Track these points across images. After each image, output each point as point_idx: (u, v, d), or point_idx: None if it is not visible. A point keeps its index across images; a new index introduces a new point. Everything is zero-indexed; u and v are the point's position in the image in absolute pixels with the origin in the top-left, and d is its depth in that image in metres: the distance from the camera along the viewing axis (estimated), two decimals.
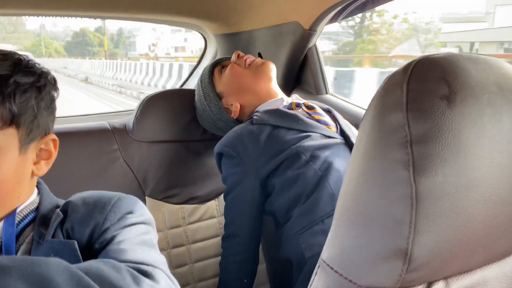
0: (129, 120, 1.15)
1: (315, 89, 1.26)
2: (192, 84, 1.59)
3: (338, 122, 0.96)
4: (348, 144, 0.91)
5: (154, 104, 1.15)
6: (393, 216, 0.30)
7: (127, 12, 1.21)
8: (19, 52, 0.58)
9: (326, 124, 0.94)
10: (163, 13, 1.25)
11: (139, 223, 0.60)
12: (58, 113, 0.63)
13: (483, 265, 0.35)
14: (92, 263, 0.43)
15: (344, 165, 0.88)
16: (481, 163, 0.30)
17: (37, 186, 0.64)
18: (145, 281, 0.46)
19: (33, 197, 0.61)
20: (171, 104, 1.16)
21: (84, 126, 1.12)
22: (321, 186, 0.84)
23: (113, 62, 16.08)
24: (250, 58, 1.04)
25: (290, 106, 0.98)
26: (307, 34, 1.16)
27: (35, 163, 0.59)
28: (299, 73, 1.30)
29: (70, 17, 1.28)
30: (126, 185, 1.10)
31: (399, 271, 0.31)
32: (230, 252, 0.95)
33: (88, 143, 1.09)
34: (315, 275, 0.37)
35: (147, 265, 0.51)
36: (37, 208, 0.60)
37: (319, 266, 0.37)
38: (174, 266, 1.13)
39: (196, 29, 1.47)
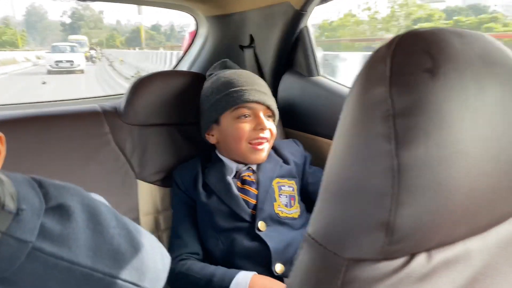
0: (120, 103, 1.14)
1: (306, 70, 1.26)
2: (184, 66, 1.58)
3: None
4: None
5: (145, 86, 1.14)
6: (376, 189, 0.31)
7: None
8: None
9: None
10: None
11: None
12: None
13: (466, 237, 0.36)
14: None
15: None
16: (464, 136, 0.30)
17: None
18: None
19: None
20: (163, 86, 1.15)
21: (74, 109, 1.11)
22: None
23: (152, 52, 15.64)
24: (264, 139, 1.02)
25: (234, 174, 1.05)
26: (298, 15, 1.15)
27: None
28: (291, 55, 1.30)
29: None
30: (117, 168, 1.09)
31: (382, 243, 0.31)
32: None
33: (79, 126, 1.08)
34: (301, 249, 0.38)
35: None
36: None
37: (305, 241, 0.38)
38: (167, 248, 1.14)
39: (186, 11, 1.45)
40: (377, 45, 0.34)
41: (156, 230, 1.12)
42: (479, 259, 0.36)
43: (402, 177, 0.30)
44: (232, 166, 1.05)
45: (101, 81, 12.59)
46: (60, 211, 0.37)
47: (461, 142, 0.30)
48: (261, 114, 1.00)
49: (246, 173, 1.04)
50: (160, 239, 1.11)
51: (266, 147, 1.02)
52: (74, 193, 0.41)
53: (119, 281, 0.41)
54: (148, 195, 1.12)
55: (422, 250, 0.34)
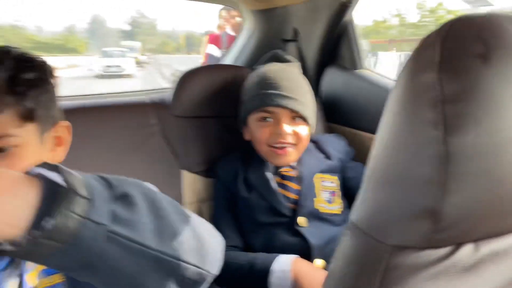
0: (168, 95, 1.19)
1: (350, 63, 1.24)
2: (228, 60, 1.60)
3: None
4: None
5: (191, 79, 1.17)
6: (423, 176, 0.31)
7: None
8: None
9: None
10: None
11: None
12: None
13: None
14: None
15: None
16: None
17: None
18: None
19: None
20: (208, 80, 1.18)
21: (125, 100, 1.16)
22: None
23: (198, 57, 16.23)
24: (286, 143, 1.00)
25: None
26: (343, 7, 1.14)
27: (52, 151, 0.62)
28: (334, 48, 1.28)
29: None
30: (163, 158, 1.13)
31: (428, 230, 0.31)
32: None
33: (130, 117, 1.13)
34: (343, 236, 0.38)
35: None
36: None
37: (348, 228, 0.38)
38: None
39: (231, 5, 1.47)
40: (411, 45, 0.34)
41: None
42: None
43: (450, 165, 0.29)
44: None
45: (145, 85, 13.02)
46: (125, 199, 0.40)
47: None
48: (283, 119, 0.98)
49: (285, 168, 1.04)
50: None
51: (290, 151, 1.00)
52: (134, 184, 0.43)
53: (184, 264, 0.42)
54: (191, 185, 1.15)
55: (469, 240, 0.33)
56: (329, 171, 1.05)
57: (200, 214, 1.15)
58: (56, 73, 0.63)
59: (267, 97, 0.98)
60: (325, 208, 1.00)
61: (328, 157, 1.07)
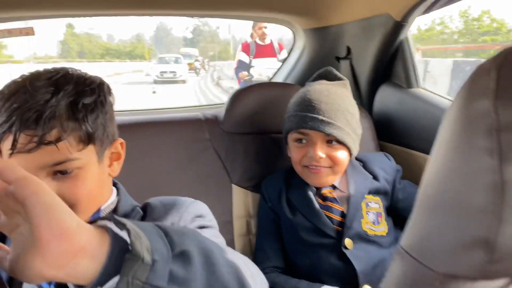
0: (221, 111, 1.23)
1: (405, 82, 1.22)
2: (280, 78, 1.63)
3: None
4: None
5: (244, 96, 1.21)
6: (477, 204, 0.30)
7: (218, 9, 1.28)
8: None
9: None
10: (253, 9, 1.30)
11: (209, 227, 0.66)
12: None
13: None
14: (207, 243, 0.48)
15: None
16: None
17: (116, 187, 0.71)
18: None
19: (113, 198, 0.68)
20: (259, 97, 1.21)
21: (180, 116, 1.22)
22: None
23: None
24: (319, 166, 1.00)
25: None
26: (398, 26, 1.12)
27: (109, 166, 0.66)
28: (389, 66, 1.27)
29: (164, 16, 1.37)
30: (215, 173, 1.17)
31: (481, 261, 0.30)
32: None
33: (183, 132, 1.18)
34: (393, 261, 0.38)
35: None
36: (115, 207, 0.67)
37: (397, 253, 0.38)
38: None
39: (285, 24, 1.50)
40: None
41: (247, 234, 1.17)
42: None
43: (506, 194, 0.29)
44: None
45: (197, 90, 13.42)
46: (183, 257, 0.42)
47: None
48: (318, 142, 0.97)
49: (326, 190, 1.02)
50: (250, 242, 1.16)
51: (325, 173, 0.99)
52: (192, 237, 0.45)
53: None
54: (241, 199, 1.18)
55: None
56: (375, 192, 1.03)
57: (248, 228, 1.18)
58: (112, 91, 0.66)
59: (302, 119, 0.98)
60: (373, 230, 0.97)
61: (375, 177, 1.05)
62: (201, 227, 0.65)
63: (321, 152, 0.96)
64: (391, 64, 1.26)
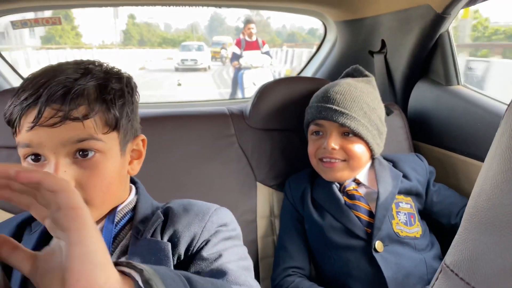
0: (246, 106, 1.19)
1: (444, 79, 1.14)
2: (309, 72, 1.58)
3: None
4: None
5: (270, 91, 1.16)
6: None
7: (254, 0, 1.25)
8: None
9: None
10: (286, 0, 1.25)
11: (233, 238, 0.65)
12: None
13: None
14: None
15: None
16: None
17: (135, 186, 0.69)
18: None
19: (131, 197, 0.66)
20: (287, 92, 1.16)
21: (205, 110, 1.19)
22: None
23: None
24: (332, 158, 0.97)
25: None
26: (439, 19, 1.05)
27: (129, 163, 0.64)
28: (426, 62, 1.19)
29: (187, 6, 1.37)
30: (239, 169, 1.13)
31: None
32: None
33: (208, 127, 1.15)
34: (436, 280, 0.33)
35: None
36: (134, 207, 0.65)
37: (441, 271, 0.33)
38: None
39: (316, 16, 1.45)
40: None
41: (271, 234, 1.13)
42: None
43: None
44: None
45: (216, 78, 13.35)
46: None
47: None
48: (332, 133, 0.95)
49: (351, 187, 0.98)
50: (274, 243, 1.12)
51: (339, 167, 0.95)
52: (211, 286, 0.47)
53: None
54: (265, 198, 1.14)
55: None
56: (406, 192, 0.98)
57: (272, 228, 1.14)
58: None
59: (317, 109, 0.97)
60: (405, 232, 0.92)
61: (406, 177, 1.00)
62: (225, 239, 0.63)
63: (334, 143, 0.94)
64: (428, 59, 1.19)
